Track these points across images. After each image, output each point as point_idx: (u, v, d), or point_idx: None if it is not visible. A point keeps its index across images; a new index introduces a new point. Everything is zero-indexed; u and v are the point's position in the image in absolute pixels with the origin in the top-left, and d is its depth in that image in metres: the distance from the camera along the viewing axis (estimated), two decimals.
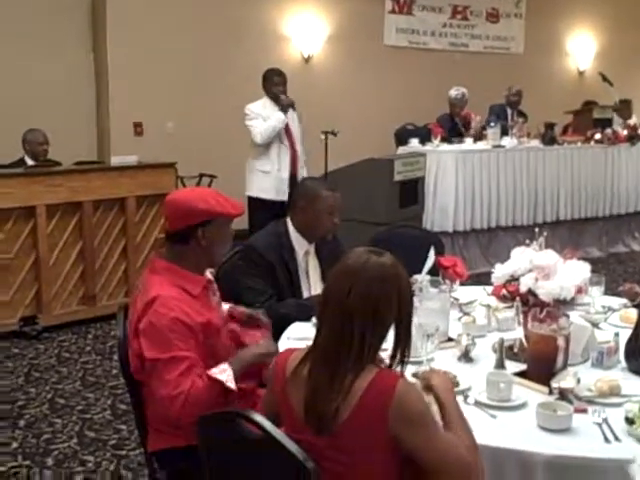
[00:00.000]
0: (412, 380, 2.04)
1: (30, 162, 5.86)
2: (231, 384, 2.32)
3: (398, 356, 1.92)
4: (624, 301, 3.16)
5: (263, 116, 5.98)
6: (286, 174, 6.09)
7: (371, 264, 1.89)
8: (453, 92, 7.74)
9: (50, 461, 3.55)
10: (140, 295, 2.43)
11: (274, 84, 6.07)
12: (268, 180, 6.05)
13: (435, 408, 1.94)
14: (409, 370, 2.13)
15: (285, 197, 5.92)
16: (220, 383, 2.31)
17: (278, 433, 1.84)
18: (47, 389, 4.39)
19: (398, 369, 1.93)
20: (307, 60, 8.91)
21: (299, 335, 2.78)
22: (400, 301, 1.89)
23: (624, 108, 8.33)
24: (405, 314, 1.92)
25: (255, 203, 5.98)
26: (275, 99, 6.05)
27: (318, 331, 1.93)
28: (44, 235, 5.29)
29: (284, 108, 6.01)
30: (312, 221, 3.29)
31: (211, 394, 2.29)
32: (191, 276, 2.47)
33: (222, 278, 2.94)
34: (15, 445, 3.70)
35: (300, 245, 3.33)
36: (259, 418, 1.87)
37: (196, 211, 2.44)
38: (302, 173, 6.17)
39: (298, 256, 3.33)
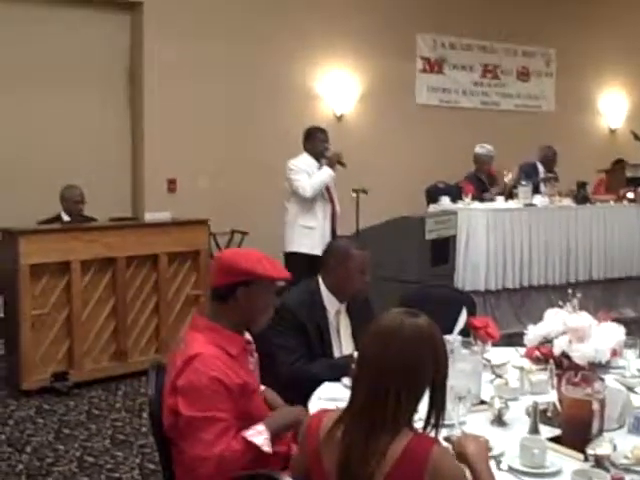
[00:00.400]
0: (445, 444, 2.01)
1: (66, 218, 5.96)
2: (267, 448, 2.30)
3: (432, 420, 1.90)
4: None
5: (308, 172, 6.11)
6: (328, 230, 6.21)
7: (407, 325, 1.89)
8: (478, 149, 7.79)
9: None
10: (180, 351, 2.44)
11: (320, 140, 6.25)
12: (312, 236, 6.11)
13: (469, 476, 1.90)
14: (441, 434, 2.10)
15: None
16: (255, 446, 2.29)
17: None
18: (76, 446, 4.39)
19: (432, 434, 1.90)
20: (339, 118, 9.02)
21: (330, 395, 2.76)
22: (436, 363, 1.89)
23: None
24: (441, 376, 1.91)
25: (296, 259, 6.00)
26: (316, 155, 6.20)
27: (353, 393, 1.92)
28: (78, 290, 5.35)
29: (331, 163, 6.17)
30: (343, 280, 3.30)
31: (246, 457, 2.28)
32: (231, 335, 2.48)
33: (257, 337, 2.94)
34: None
35: (332, 304, 3.33)
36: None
37: (237, 269, 2.46)
38: (339, 229, 6.27)
39: (330, 315, 3.33)
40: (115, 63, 7.71)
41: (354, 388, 1.92)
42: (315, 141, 6.24)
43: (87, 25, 7.37)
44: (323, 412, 2.04)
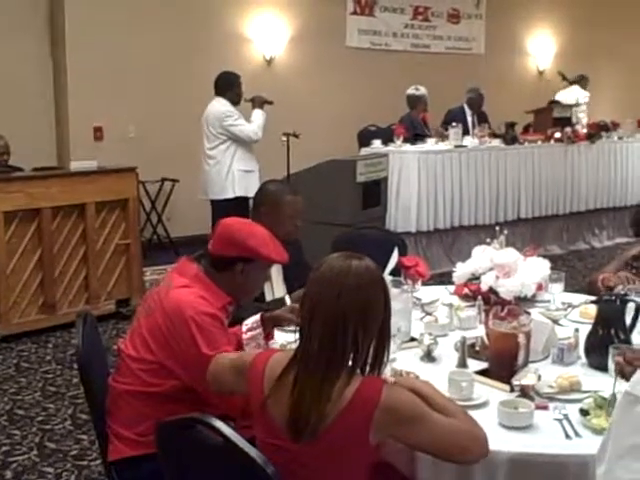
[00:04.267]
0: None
1: None
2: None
3: (378, 360, 1.91)
4: (585, 297, 3.18)
5: (242, 116, 6.17)
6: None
7: (357, 268, 1.87)
8: (411, 90, 7.79)
9: (9, 474, 3.47)
10: (162, 292, 2.41)
11: (239, 85, 6.25)
12: (252, 179, 6.15)
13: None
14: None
15: None
16: None
17: (238, 439, 1.81)
18: (5, 400, 4.30)
19: (375, 373, 1.91)
20: (269, 62, 8.88)
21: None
22: (385, 303, 1.90)
23: (583, 81, 8.53)
24: (388, 317, 1.92)
25: (239, 204, 5.98)
26: (235, 101, 6.20)
27: (304, 339, 1.88)
28: (2, 243, 5.18)
29: (259, 105, 6.25)
30: (274, 224, 3.25)
31: None
32: (217, 292, 2.44)
33: None
34: None
35: None
36: (219, 424, 1.84)
37: (242, 245, 2.42)
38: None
39: None
40: (38, 6, 7.40)
41: (305, 335, 1.88)
42: (235, 87, 6.23)
43: None
44: (269, 352, 2.03)
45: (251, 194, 6.04)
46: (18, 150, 6.01)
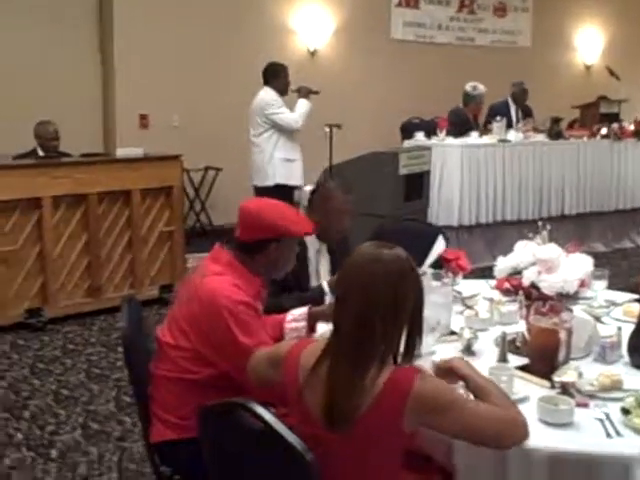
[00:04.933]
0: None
1: (41, 153, 5.88)
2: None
3: (410, 350, 1.92)
4: (628, 296, 3.15)
5: (284, 105, 6.27)
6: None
7: (387, 257, 1.88)
8: (470, 89, 7.67)
9: (54, 453, 3.56)
10: (197, 279, 2.45)
11: (285, 76, 6.36)
12: (294, 168, 6.31)
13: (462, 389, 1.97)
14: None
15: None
16: None
17: (278, 425, 1.84)
18: (51, 380, 4.41)
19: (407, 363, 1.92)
20: (313, 54, 8.89)
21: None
22: (416, 293, 1.90)
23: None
24: (419, 306, 1.92)
25: (280, 191, 6.04)
26: (282, 91, 6.31)
27: (336, 327, 1.90)
28: (49, 227, 5.30)
29: (305, 95, 6.37)
30: (324, 220, 3.30)
31: None
32: (250, 278, 2.47)
33: None
34: (19, 437, 3.71)
35: (312, 242, 3.36)
36: (260, 410, 1.87)
37: (272, 226, 2.44)
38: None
39: (309, 252, 3.35)
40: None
41: (338, 321, 1.89)
42: (281, 77, 6.33)
43: None
44: (305, 342, 2.04)
45: (292, 182, 6.15)
46: (67, 136, 6.13)
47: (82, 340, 5.10)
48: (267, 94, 6.28)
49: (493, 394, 1.90)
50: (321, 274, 3.39)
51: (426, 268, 3.18)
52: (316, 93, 6.43)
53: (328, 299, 2.95)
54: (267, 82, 6.34)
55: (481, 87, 7.76)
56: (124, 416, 3.93)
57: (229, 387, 2.32)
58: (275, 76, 6.32)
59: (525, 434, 1.87)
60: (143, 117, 7.78)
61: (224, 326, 2.32)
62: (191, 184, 7.84)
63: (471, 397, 1.94)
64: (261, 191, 6.19)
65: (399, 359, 1.92)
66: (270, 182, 6.24)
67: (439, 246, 3.31)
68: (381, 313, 1.83)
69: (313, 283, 3.35)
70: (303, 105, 6.32)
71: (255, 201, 2.66)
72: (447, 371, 2.01)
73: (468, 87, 7.74)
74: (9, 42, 7.03)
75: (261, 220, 2.45)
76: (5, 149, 5.84)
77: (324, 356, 1.89)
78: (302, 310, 2.61)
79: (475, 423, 1.82)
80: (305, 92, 6.38)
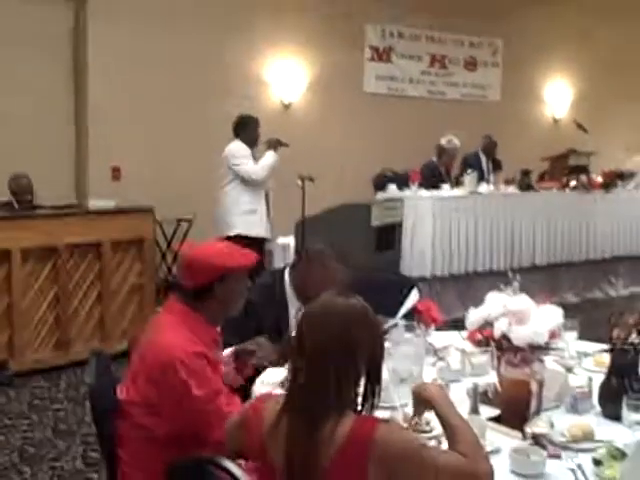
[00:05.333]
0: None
1: (16, 206, 5.83)
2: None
3: (369, 400, 1.90)
4: (599, 346, 3.16)
5: (249, 157, 6.32)
6: (265, 212, 6.48)
7: (340, 305, 1.88)
8: (445, 143, 7.80)
9: None
10: (153, 334, 2.44)
11: (255, 128, 6.45)
12: (256, 219, 6.34)
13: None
14: (383, 416, 2.10)
15: (269, 235, 6.40)
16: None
17: None
18: (17, 437, 4.30)
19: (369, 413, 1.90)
20: (287, 107, 8.98)
21: (274, 380, 2.74)
22: (372, 341, 1.88)
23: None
24: (377, 356, 1.90)
25: (241, 242, 5.99)
26: (251, 143, 6.39)
27: (292, 379, 1.88)
28: (18, 279, 5.23)
29: (273, 146, 6.42)
30: (310, 287, 3.23)
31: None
32: (206, 325, 2.48)
33: None
34: None
35: (292, 302, 3.35)
36: (229, 465, 1.84)
37: (211, 268, 2.44)
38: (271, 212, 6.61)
39: (291, 311, 3.33)
40: (59, 47, 7.56)
41: (293, 374, 1.88)
42: (251, 130, 6.42)
43: (30, 9, 7.19)
44: (265, 397, 2.01)
45: (253, 233, 6.17)
46: (39, 188, 6.07)
47: (49, 395, 5.00)
48: (235, 146, 6.36)
49: (461, 438, 1.86)
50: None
51: (398, 319, 3.18)
52: (285, 145, 6.48)
53: None
54: (237, 134, 6.42)
55: (456, 141, 7.89)
56: (92, 473, 3.84)
57: (191, 442, 2.28)
58: (244, 129, 6.40)
59: None
60: (115, 169, 7.77)
61: (178, 380, 2.31)
62: (163, 236, 7.80)
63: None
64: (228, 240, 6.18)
65: (361, 408, 1.89)
66: (231, 232, 6.24)
67: (413, 298, 3.31)
68: (334, 362, 1.82)
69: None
70: (269, 157, 6.37)
71: (190, 246, 2.67)
72: (422, 400, 2.00)
73: (443, 141, 7.87)
74: None
75: (199, 264, 2.46)
76: None
77: (283, 410, 1.87)
78: (228, 351, 2.62)
79: (440, 473, 1.78)
80: (274, 144, 6.44)
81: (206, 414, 2.29)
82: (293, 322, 3.31)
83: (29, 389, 5.09)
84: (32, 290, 5.34)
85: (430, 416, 2.34)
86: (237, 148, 6.32)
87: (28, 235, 5.27)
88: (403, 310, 3.26)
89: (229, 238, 6.13)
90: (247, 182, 6.31)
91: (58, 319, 5.45)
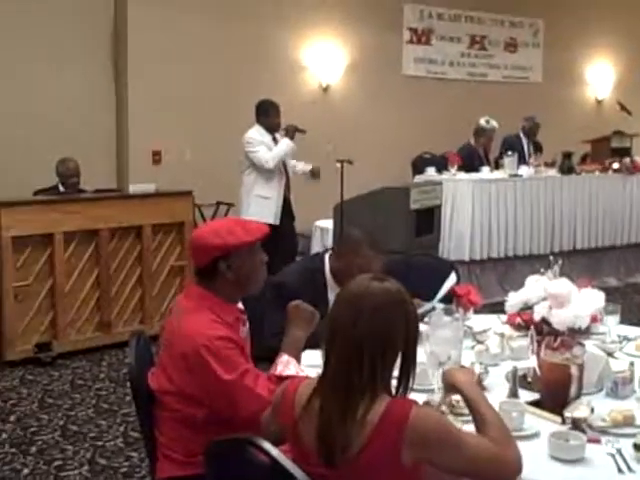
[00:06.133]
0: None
1: (62, 189, 5.96)
2: (300, 371, 2.39)
3: (404, 382, 1.90)
4: None
5: (265, 143, 6.23)
6: (281, 200, 6.35)
7: (375, 289, 1.87)
8: (484, 123, 7.77)
9: None
10: (176, 319, 2.44)
11: (275, 114, 6.35)
12: (268, 205, 6.25)
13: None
14: (420, 399, 2.11)
15: (279, 222, 6.22)
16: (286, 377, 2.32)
17: (285, 461, 1.82)
18: (60, 415, 4.39)
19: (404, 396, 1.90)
20: (325, 90, 8.96)
21: (309, 362, 2.75)
22: (407, 325, 1.88)
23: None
24: (412, 339, 1.90)
25: None
26: (271, 129, 6.32)
27: (325, 362, 1.89)
28: (61, 262, 5.32)
29: (290, 134, 6.28)
30: (348, 272, 3.24)
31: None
32: (224, 305, 2.46)
33: (247, 310, 2.90)
34: (26, 472, 3.69)
35: (332, 287, 3.35)
36: (267, 445, 1.85)
37: (210, 247, 2.43)
38: (291, 197, 6.50)
39: (330, 296, 3.33)
40: (99, 34, 7.63)
41: (327, 357, 1.89)
42: (271, 116, 6.33)
43: None
44: (298, 380, 2.03)
45: (265, 220, 6.04)
46: (82, 173, 6.18)
47: (91, 375, 5.09)
48: (251, 132, 6.28)
49: (491, 424, 1.87)
50: None
51: (436, 303, 3.17)
52: (303, 132, 6.38)
53: None
54: (257, 119, 6.36)
55: (494, 122, 7.83)
56: (132, 452, 3.90)
57: (228, 423, 2.30)
58: (265, 114, 6.33)
59: (516, 471, 1.84)
60: (156, 153, 7.84)
61: (206, 366, 2.30)
62: (202, 219, 7.86)
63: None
64: None
65: (395, 391, 1.90)
66: (243, 217, 6.23)
67: (451, 281, 3.29)
68: (368, 347, 1.82)
69: None
70: (282, 145, 6.25)
71: (199, 228, 2.67)
72: (450, 385, 2.01)
73: (482, 121, 7.81)
74: (31, 86, 7.16)
75: (198, 244, 2.46)
76: (30, 187, 5.93)
77: (316, 392, 1.88)
78: (282, 359, 2.49)
79: (472, 456, 1.80)
80: (291, 131, 6.32)
81: (238, 395, 2.30)
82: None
83: (72, 369, 5.19)
84: (75, 273, 5.43)
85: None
86: (252, 135, 6.25)
87: (71, 218, 5.35)
88: (441, 293, 3.25)
89: None
90: (262, 169, 6.25)
91: (100, 301, 5.54)
